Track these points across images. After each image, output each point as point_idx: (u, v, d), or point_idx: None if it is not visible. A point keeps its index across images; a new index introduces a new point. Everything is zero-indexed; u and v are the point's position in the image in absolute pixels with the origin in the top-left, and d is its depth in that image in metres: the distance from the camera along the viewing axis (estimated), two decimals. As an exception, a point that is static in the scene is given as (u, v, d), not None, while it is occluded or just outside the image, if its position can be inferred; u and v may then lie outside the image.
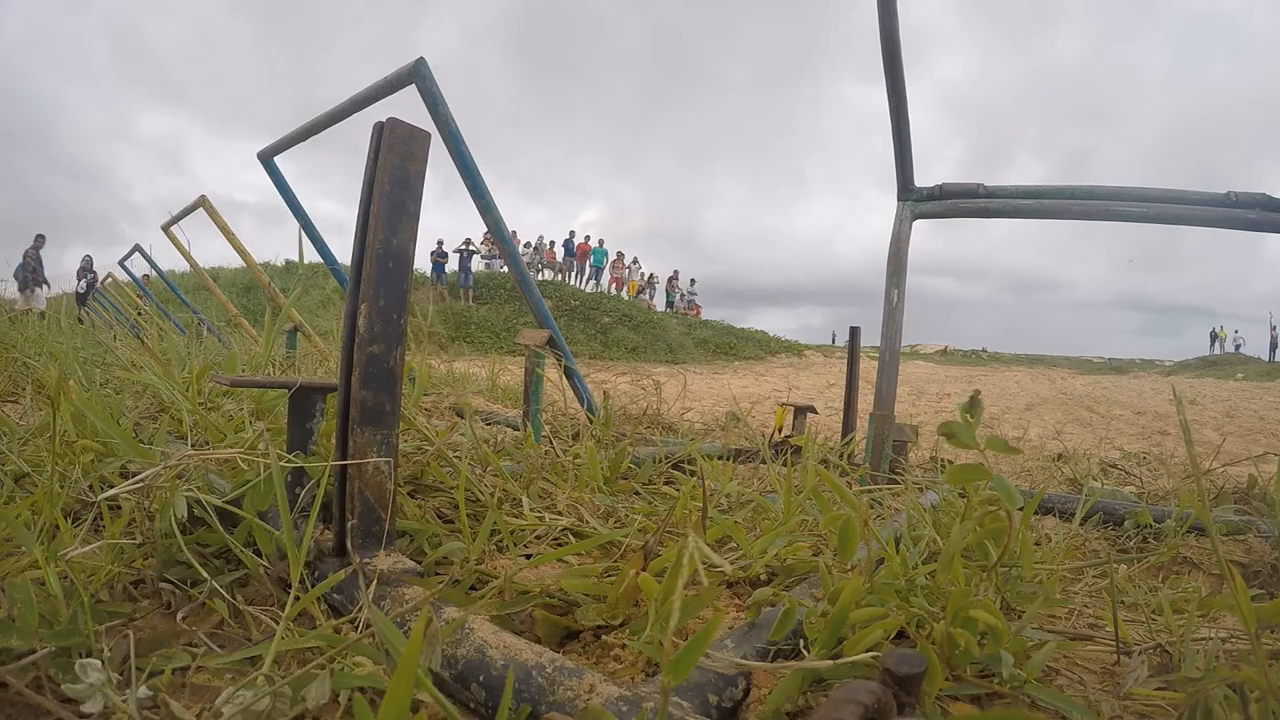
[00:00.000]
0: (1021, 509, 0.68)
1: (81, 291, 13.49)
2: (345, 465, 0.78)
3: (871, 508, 1.25)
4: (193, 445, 1.10)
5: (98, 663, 0.57)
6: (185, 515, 0.75)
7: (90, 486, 0.92)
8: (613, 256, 22.68)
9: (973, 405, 0.64)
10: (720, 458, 2.02)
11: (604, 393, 1.95)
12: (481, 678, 0.59)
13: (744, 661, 0.59)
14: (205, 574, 0.73)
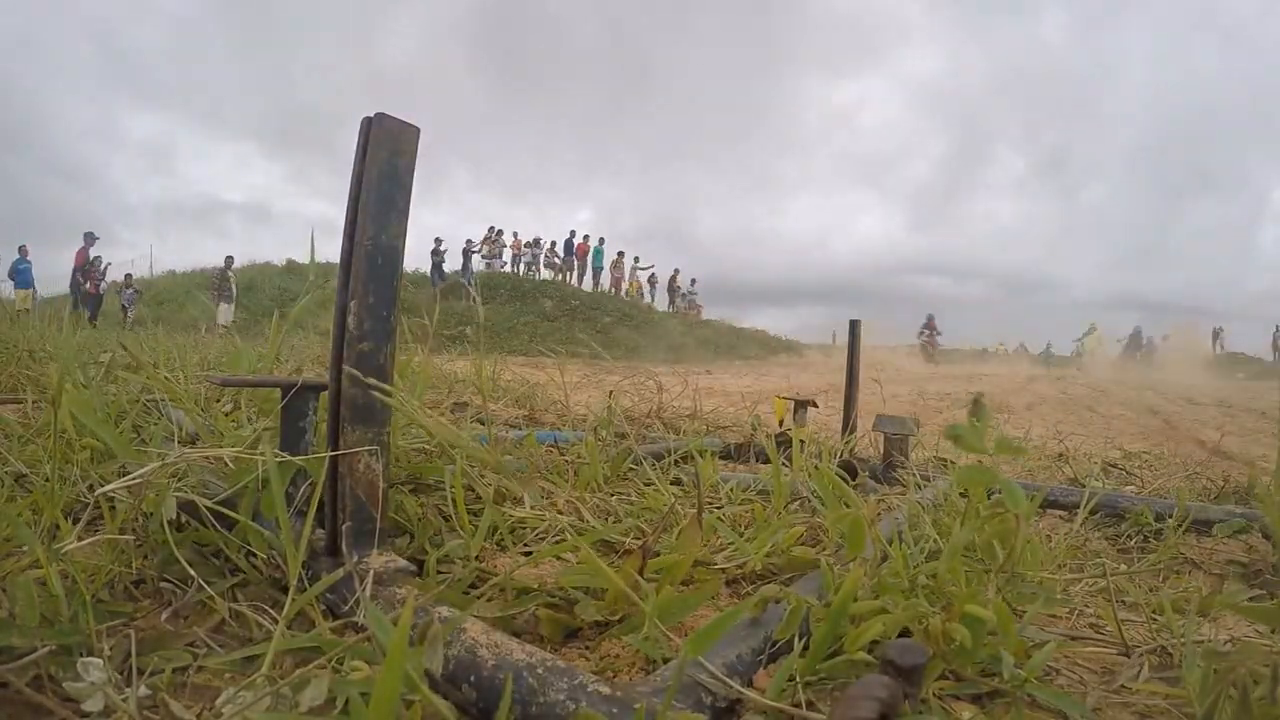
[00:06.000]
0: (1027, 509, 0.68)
1: (97, 293, 13.86)
2: (336, 465, 0.77)
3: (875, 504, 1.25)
4: (181, 444, 1.10)
5: (99, 661, 0.57)
6: (174, 515, 0.75)
7: (90, 487, 0.92)
8: (613, 256, 22.66)
9: (977, 409, 0.64)
10: (723, 456, 2.02)
11: (608, 393, 1.96)
12: (472, 678, 0.59)
13: (729, 681, 0.59)
14: (196, 574, 0.73)
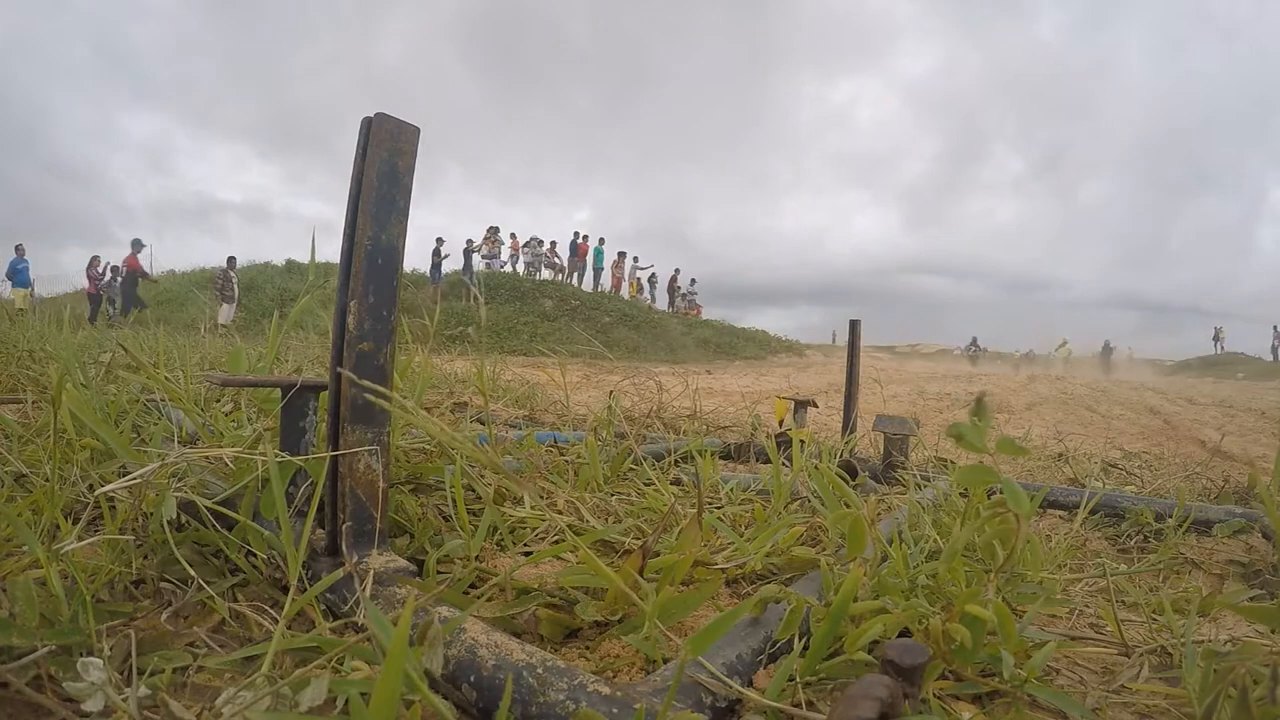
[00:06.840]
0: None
1: (97, 292, 13.97)
2: (336, 464, 0.77)
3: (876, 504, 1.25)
4: (181, 444, 1.10)
5: (99, 661, 0.57)
6: (174, 515, 0.75)
7: (90, 487, 0.92)
8: (613, 257, 22.63)
9: (980, 408, 0.64)
10: (723, 456, 2.02)
11: (608, 393, 1.96)
12: (472, 678, 0.59)
13: (729, 681, 0.59)
14: (196, 574, 0.73)
